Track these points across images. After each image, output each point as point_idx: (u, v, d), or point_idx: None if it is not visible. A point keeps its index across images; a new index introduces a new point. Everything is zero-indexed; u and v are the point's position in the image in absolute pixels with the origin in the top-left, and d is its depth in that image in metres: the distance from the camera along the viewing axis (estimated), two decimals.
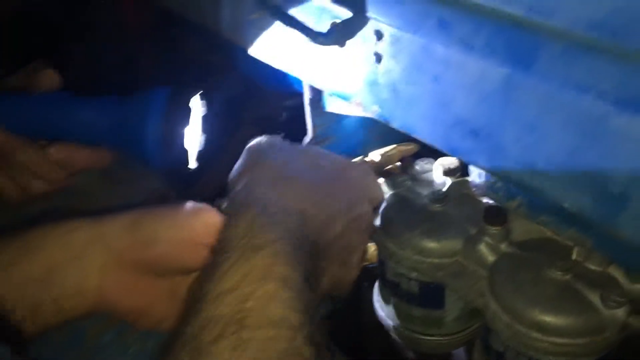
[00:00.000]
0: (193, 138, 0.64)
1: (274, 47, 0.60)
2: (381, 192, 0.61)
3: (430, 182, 0.63)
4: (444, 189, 0.60)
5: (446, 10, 0.41)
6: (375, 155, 0.69)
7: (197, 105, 0.64)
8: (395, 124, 0.51)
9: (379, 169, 0.69)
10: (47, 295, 0.50)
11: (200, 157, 0.66)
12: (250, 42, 0.63)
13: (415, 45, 0.45)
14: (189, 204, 0.53)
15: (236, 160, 0.58)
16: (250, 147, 0.58)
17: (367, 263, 0.76)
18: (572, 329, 0.48)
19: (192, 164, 0.65)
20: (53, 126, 0.62)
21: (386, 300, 0.64)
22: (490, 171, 0.44)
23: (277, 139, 0.59)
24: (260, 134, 0.60)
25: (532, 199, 0.50)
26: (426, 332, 0.62)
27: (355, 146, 0.73)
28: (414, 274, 0.58)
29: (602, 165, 0.37)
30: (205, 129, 0.67)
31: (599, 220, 0.39)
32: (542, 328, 0.48)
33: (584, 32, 0.34)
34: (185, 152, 0.63)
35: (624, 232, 0.38)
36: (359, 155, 0.72)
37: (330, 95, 0.56)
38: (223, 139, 0.82)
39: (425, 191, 0.61)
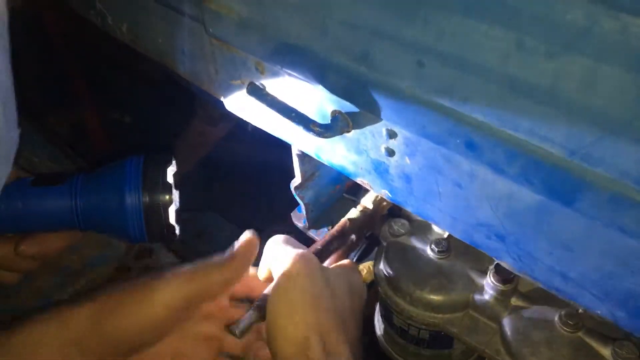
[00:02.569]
0: (174, 206, 0.60)
1: (259, 110, 0.56)
2: (364, 290, 0.61)
3: (428, 225, 0.63)
4: (445, 236, 0.60)
5: (476, 134, 0.39)
6: (368, 202, 0.67)
7: (172, 169, 0.60)
8: (410, 210, 0.49)
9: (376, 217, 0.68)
10: None
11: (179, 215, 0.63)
12: (230, 100, 0.58)
13: (436, 153, 0.43)
14: (147, 280, 0.53)
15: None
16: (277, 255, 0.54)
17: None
18: None
19: (177, 230, 0.62)
20: (18, 219, 0.57)
21: (391, 339, 0.66)
22: (517, 272, 0.44)
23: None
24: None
25: None
26: None
27: (338, 176, 0.71)
28: (424, 326, 0.59)
29: None
30: (177, 185, 0.63)
31: (634, 331, 0.41)
32: None
33: (633, 185, 0.34)
34: (170, 224, 0.60)
35: None
36: (342, 183, 0.71)
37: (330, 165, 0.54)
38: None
39: (424, 236, 0.61)
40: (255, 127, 0.59)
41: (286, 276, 0.51)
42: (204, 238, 1.04)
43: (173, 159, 0.61)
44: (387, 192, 0.50)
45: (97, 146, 1.35)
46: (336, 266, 0.60)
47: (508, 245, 0.44)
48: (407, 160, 0.46)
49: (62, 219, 0.58)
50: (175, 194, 0.62)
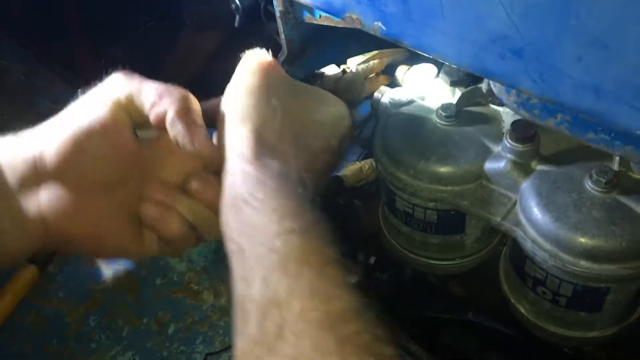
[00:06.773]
0: None
1: None
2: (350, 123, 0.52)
3: (433, 95, 0.55)
4: (455, 101, 0.52)
5: None
6: (353, 64, 0.60)
7: None
8: (407, 43, 0.41)
9: (359, 81, 0.61)
10: None
11: None
12: None
13: None
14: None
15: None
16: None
17: (362, 182, 0.70)
18: (625, 253, 0.43)
19: None
20: None
21: (396, 231, 0.58)
22: (539, 97, 0.36)
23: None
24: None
25: (576, 116, 0.43)
26: (444, 258, 0.57)
27: (334, 56, 0.63)
28: (431, 204, 0.52)
29: None
30: None
31: None
32: (592, 255, 0.43)
33: None
34: None
35: None
36: (338, 64, 0.63)
37: (313, 5, 0.46)
38: None
39: (430, 105, 0.53)
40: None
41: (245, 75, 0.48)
42: None
43: None
44: (380, 23, 0.42)
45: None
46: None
47: (527, 62, 0.36)
48: None
49: None
50: None
